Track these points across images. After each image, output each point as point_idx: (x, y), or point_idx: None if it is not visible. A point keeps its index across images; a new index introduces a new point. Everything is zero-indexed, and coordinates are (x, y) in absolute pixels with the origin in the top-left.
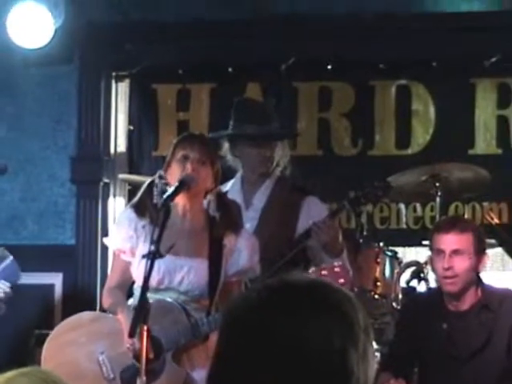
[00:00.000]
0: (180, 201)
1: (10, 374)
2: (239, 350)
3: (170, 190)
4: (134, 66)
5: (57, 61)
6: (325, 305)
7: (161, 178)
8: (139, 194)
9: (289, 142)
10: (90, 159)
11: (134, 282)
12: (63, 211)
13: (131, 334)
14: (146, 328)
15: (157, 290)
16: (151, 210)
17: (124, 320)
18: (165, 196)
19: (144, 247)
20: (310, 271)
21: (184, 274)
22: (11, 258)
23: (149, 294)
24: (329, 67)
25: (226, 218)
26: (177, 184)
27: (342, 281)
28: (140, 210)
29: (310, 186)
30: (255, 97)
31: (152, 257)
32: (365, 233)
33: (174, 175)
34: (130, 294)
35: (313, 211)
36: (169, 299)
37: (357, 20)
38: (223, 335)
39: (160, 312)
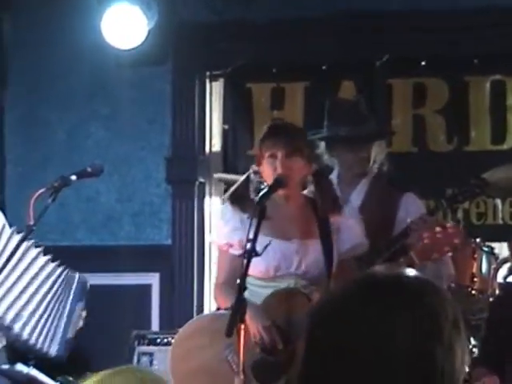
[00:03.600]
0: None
1: (106, 372)
2: (326, 351)
3: (265, 190)
4: (227, 66)
5: (150, 61)
6: (410, 298)
7: (255, 173)
8: (237, 189)
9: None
10: (185, 159)
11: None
12: (159, 211)
13: (228, 334)
14: (243, 327)
15: (274, 277)
16: (250, 203)
17: (248, 315)
18: (260, 195)
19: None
20: (424, 235)
21: (300, 256)
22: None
23: (266, 284)
24: (423, 63)
25: (326, 199)
26: (271, 184)
27: (456, 241)
28: (240, 203)
29: (406, 182)
30: (349, 95)
31: (248, 256)
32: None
33: (266, 173)
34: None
35: (411, 208)
36: (286, 286)
37: (451, 15)
38: (310, 335)
39: (281, 301)
